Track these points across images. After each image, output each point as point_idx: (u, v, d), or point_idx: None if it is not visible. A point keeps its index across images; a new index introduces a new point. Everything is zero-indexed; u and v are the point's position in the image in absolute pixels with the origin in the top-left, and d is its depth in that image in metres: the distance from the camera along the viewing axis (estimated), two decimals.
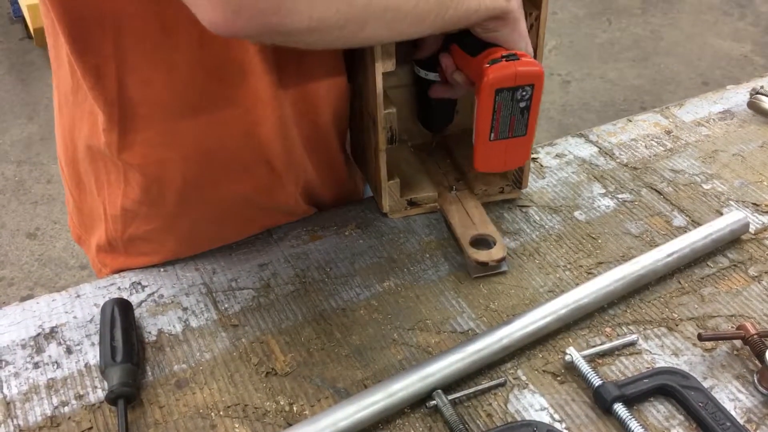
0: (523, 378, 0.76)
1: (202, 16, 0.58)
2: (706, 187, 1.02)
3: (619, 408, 0.71)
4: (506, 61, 0.78)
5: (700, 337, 0.77)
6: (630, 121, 1.18)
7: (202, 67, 0.77)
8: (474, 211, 0.95)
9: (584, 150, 1.11)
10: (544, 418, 0.72)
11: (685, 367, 0.76)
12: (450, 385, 0.74)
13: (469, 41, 0.81)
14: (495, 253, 0.88)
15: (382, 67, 0.82)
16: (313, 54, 0.83)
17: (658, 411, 0.73)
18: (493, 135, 0.83)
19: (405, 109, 1.02)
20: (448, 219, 0.94)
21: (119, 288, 0.87)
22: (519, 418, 0.72)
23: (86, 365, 0.78)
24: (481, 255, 0.88)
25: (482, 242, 0.91)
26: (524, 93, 0.80)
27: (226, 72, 0.78)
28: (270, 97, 0.82)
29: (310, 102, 0.87)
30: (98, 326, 0.80)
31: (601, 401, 0.72)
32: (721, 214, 0.96)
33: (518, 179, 0.98)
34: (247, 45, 0.77)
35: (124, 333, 0.77)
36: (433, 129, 1.01)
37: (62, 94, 0.83)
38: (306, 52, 0.82)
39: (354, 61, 0.90)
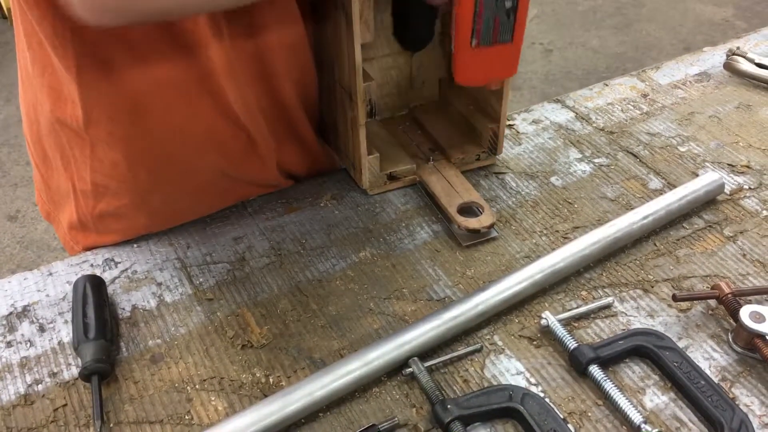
0: (500, 343, 0.76)
1: (71, 13, 0.62)
2: (682, 149, 1.02)
3: (595, 370, 0.71)
4: None
5: (674, 298, 0.77)
6: (606, 85, 1.17)
7: (158, 36, 0.76)
8: (455, 179, 0.94)
9: (560, 115, 1.10)
10: (521, 382, 0.72)
11: (660, 328, 0.77)
12: (426, 352, 0.74)
13: None
14: (485, 220, 0.88)
15: (360, 38, 0.80)
16: (264, 13, 0.81)
17: (633, 372, 0.73)
18: (474, 41, 0.75)
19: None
20: (431, 189, 0.93)
21: (92, 265, 0.86)
22: (495, 383, 0.72)
23: (59, 343, 0.77)
24: (472, 222, 0.88)
25: (468, 210, 0.90)
26: None
27: (178, 40, 0.77)
28: (224, 64, 0.80)
29: (265, 65, 0.86)
30: (71, 304, 0.79)
31: (576, 364, 0.72)
32: (697, 175, 0.95)
33: (493, 145, 0.98)
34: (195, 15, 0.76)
35: (96, 309, 0.76)
36: (410, 45, 0.94)
37: (23, 68, 0.82)
38: (257, 12, 0.80)
39: (322, 37, 0.89)
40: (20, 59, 0.82)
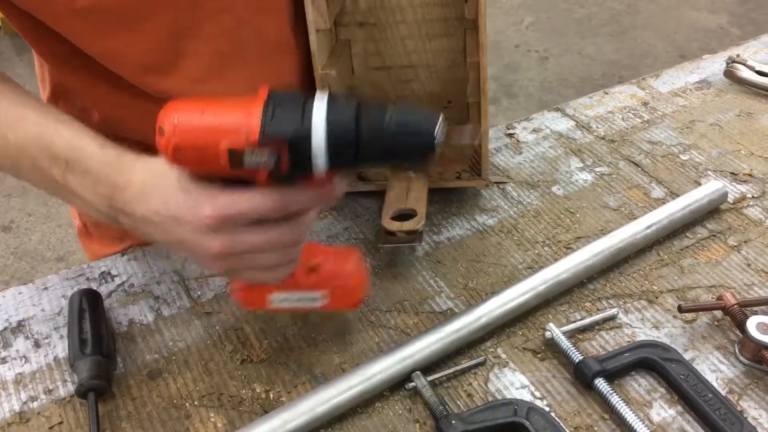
0: (503, 356, 0.75)
1: None
2: (683, 157, 1.01)
3: (600, 383, 0.70)
4: None
5: (680, 309, 0.76)
6: (606, 93, 1.17)
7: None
8: (416, 189, 0.90)
9: (561, 124, 1.09)
10: (525, 395, 0.71)
11: (665, 340, 0.76)
12: (429, 366, 0.73)
13: None
14: (407, 225, 0.83)
15: (314, 24, 0.79)
16: None
17: (640, 384, 0.72)
18: None
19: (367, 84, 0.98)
20: (387, 192, 0.90)
21: (88, 278, 0.85)
22: (500, 397, 0.71)
23: (55, 359, 0.76)
24: (392, 224, 0.84)
25: (404, 217, 0.86)
26: None
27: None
28: None
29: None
30: (67, 318, 0.78)
31: (581, 377, 0.71)
32: (700, 184, 0.95)
33: (476, 165, 0.92)
34: None
35: (93, 324, 0.75)
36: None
37: (38, 70, 0.86)
38: None
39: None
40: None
